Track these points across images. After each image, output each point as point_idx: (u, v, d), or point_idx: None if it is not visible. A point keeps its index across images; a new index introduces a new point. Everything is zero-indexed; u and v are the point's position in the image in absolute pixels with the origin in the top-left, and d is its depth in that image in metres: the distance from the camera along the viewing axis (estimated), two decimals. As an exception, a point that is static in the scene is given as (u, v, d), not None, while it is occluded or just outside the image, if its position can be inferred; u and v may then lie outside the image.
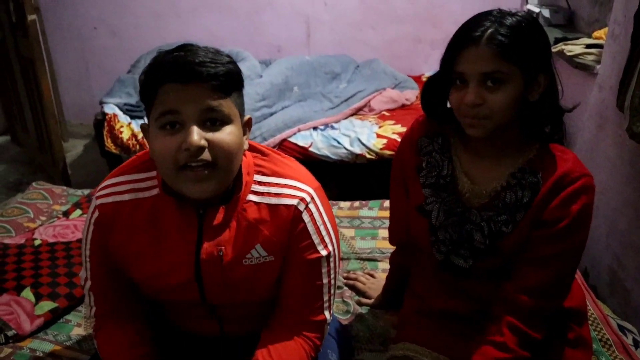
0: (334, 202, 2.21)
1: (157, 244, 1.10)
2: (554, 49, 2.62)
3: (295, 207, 1.09)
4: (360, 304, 1.64)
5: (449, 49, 1.10)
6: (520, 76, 1.06)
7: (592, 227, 2.28)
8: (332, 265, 1.15)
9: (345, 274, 1.77)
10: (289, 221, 1.10)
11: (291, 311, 1.16)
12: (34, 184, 2.38)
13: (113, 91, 3.26)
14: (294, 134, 3.00)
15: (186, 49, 0.98)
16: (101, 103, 3.18)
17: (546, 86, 1.10)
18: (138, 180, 1.12)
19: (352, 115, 3.25)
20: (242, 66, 3.28)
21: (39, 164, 3.55)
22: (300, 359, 1.13)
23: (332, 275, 1.16)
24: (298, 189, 1.11)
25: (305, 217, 1.10)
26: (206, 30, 3.91)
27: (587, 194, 1.11)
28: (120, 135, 2.97)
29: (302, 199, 1.10)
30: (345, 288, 1.72)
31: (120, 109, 3.10)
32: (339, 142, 2.93)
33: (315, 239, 1.11)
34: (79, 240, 1.83)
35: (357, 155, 2.89)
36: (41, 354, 1.45)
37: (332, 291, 1.18)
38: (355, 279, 1.72)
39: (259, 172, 1.13)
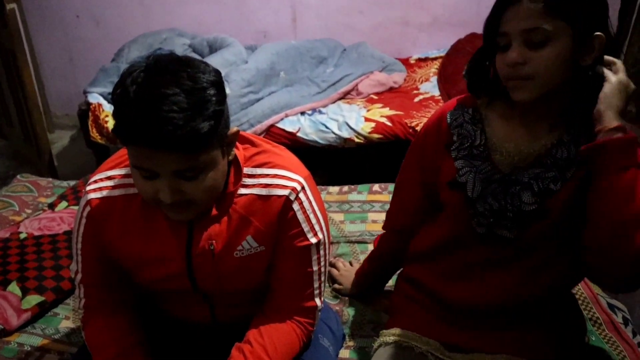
0: (323, 187, 2.20)
1: (149, 237, 1.11)
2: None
3: (286, 197, 1.09)
4: (334, 290, 1.63)
5: (493, 10, 1.05)
6: (569, 34, 0.99)
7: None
8: (322, 253, 1.16)
9: (331, 259, 1.76)
10: (279, 211, 1.10)
11: (282, 298, 1.18)
12: (18, 176, 2.35)
13: (97, 80, 3.21)
14: (282, 119, 2.97)
15: (155, 99, 0.88)
16: (85, 93, 3.13)
17: (602, 50, 1.02)
18: (127, 175, 1.12)
19: (339, 99, 3.23)
20: (228, 52, 3.29)
21: (25, 156, 3.50)
22: (292, 341, 1.15)
23: (322, 263, 1.17)
24: (289, 178, 1.11)
25: (295, 205, 1.10)
26: (192, 17, 3.85)
27: None
28: (105, 125, 2.93)
29: (293, 189, 1.10)
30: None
31: (105, 98, 3.06)
32: (327, 127, 2.90)
33: (305, 227, 1.12)
34: (66, 233, 1.81)
35: (346, 140, 2.87)
36: (29, 348, 1.43)
37: (322, 278, 1.18)
38: (334, 265, 1.71)
39: (249, 164, 1.12)
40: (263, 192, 1.10)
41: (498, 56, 1.07)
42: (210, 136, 0.93)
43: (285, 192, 1.09)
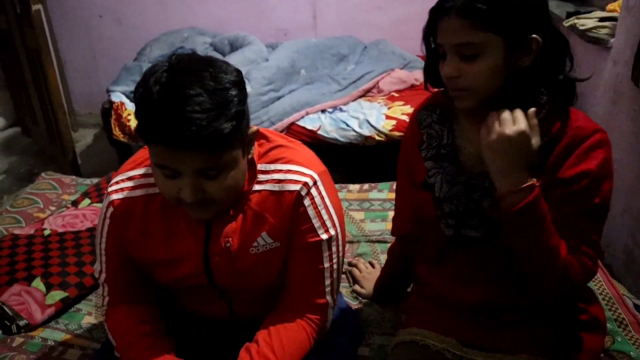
0: (343, 185, 2.19)
1: (168, 236, 1.13)
2: (566, 23, 2.56)
3: (298, 192, 1.09)
4: (354, 292, 1.61)
5: (428, 21, 1.06)
6: (501, 43, 0.98)
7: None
8: (333, 249, 1.15)
9: (350, 259, 1.75)
10: (291, 206, 1.10)
11: (294, 293, 1.18)
12: (43, 174, 2.39)
13: (119, 79, 3.25)
14: (302, 117, 2.97)
15: (178, 100, 0.88)
16: (108, 91, 3.17)
17: (539, 50, 1.01)
18: (147, 175, 1.13)
19: (360, 97, 3.21)
20: (248, 50, 3.29)
21: (49, 154, 3.56)
22: (300, 339, 1.15)
23: (335, 260, 1.16)
24: (301, 173, 1.11)
25: (306, 201, 1.10)
26: (212, 15, 3.87)
27: (603, 148, 1.04)
28: (127, 123, 2.96)
29: (305, 184, 1.10)
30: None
31: (127, 97, 3.09)
32: (347, 125, 2.89)
33: (316, 222, 1.12)
34: (88, 230, 1.83)
35: (366, 138, 2.86)
36: (53, 343, 1.45)
37: (334, 275, 1.18)
38: (355, 266, 1.70)
39: (263, 160, 1.13)
40: (276, 187, 1.10)
41: (440, 64, 1.07)
42: (232, 136, 0.93)
43: (297, 187, 1.09)
